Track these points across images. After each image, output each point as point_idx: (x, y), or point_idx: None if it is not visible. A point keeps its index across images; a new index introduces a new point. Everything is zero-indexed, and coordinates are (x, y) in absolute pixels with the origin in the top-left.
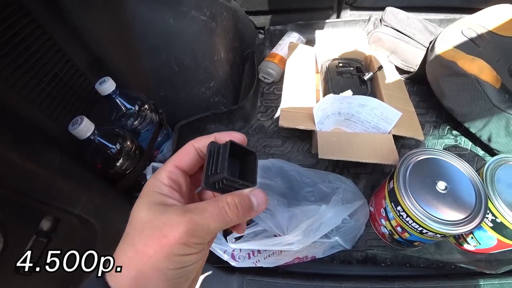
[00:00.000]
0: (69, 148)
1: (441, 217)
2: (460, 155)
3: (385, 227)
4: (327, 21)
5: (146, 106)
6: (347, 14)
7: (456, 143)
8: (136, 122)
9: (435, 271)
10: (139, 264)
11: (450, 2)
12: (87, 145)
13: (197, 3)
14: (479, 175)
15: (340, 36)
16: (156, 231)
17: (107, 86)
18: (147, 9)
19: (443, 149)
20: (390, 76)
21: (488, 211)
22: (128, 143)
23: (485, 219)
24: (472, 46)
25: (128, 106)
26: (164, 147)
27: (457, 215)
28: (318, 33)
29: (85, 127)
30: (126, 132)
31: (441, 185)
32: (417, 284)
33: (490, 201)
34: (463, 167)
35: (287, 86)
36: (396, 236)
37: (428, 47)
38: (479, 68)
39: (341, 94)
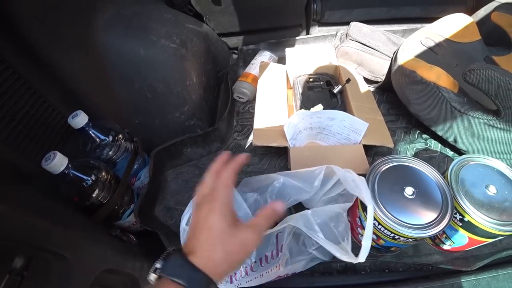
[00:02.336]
0: (43, 183)
1: (410, 222)
2: (431, 157)
3: (362, 235)
4: (297, 38)
5: (120, 135)
6: (316, 30)
7: (427, 146)
8: (111, 152)
9: (414, 274)
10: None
11: (411, 13)
12: (61, 179)
13: (166, 31)
14: (444, 177)
15: (310, 52)
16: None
17: (79, 119)
18: (117, 40)
19: (414, 153)
20: (359, 87)
21: (455, 211)
22: (103, 173)
23: (454, 219)
24: (431, 54)
25: (102, 137)
26: (141, 174)
27: (425, 219)
28: (288, 51)
29: (58, 162)
30: (101, 163)
31: (408, 191)
32: None
33: (456, 201)
34: (429, 171)
35: (259, 105)
36: (373, 244)
37: (392, 57)
38: (436, 75)
39: (312, 108)
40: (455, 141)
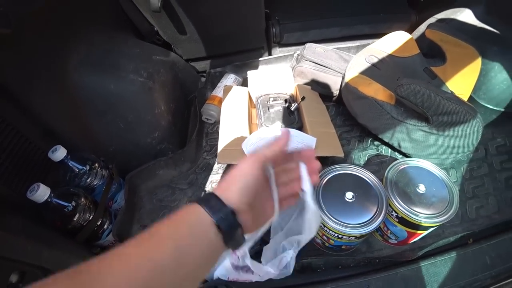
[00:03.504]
0: (30, 211)
1: (349, 222)
2: (382, 162)
3: (316, 237)
4: (260, 59)
5: (96, 164)
6: (277, 51)
7: (378, 152)
8: (88, 180)
9: (364, 268)
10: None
11: (361, 31)
12: (45, 207)
13: (134, 67)
14: (382, 180)
15: (269, 73)
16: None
17: (59, 154)
18: (90, 78)
19: (367, 159)
20: (313, 103)
21: (392, 210)
22: (82, 199)
23: (392, 216)
24: (374, 70)
25: (80, 167)
26: (118, 197)
27: (362, 218)
28: (249, 73)
29: (41, 193)
30: (80, 190)
31: (348, 195)
32: (347, 282)
33: (391, 201)
34: (367, 177)
35: (223, 126)
36: (327, 244)
37: (343, 74)
38: (374, 91)
39: (270, 127)
40: (399, 146)
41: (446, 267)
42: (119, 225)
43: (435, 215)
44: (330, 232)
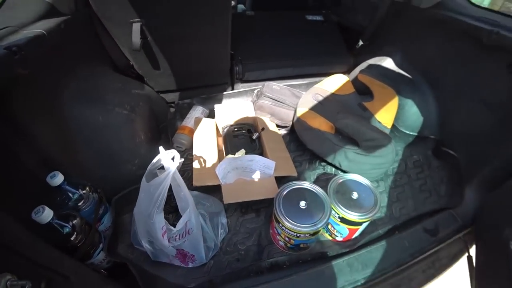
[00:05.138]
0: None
1: (304, 223)
2: (328, 178)
3: (280, 240)
4: (224, 93)
5: (87, 188)
6: (240, 86)
7: (324, 171)
8: (81, 203)
9: (319, 261)
10: None
11: (310, 70)
12: (47, 227)
13: (119, 101)
14: (326, 191)
15: (234, 107)
16: None
17: (57, 179)
18: (80, 111)
19: (316, 177)
20: (271, 133)
21: (335, 212)
22: (78, 219)
23: (336, 217)
24: (319, 105)
25: (74, 191)
26: (105, 219)
27: (314, 220)
28: (216, 107)
29: (46, 215)
30: (76, 211)
31: (302, 204)
32: (307, 271)
33: (333, 206)
34: (315, 189)
35: (196, 153)
36: (289, 244)
37: (295, 109)
38: (319, 123)
39: (236, 153)
40: (340, 165)
41: (379, 252)
42: (109, 244)
43: (365, 213)
44: (290, 232)
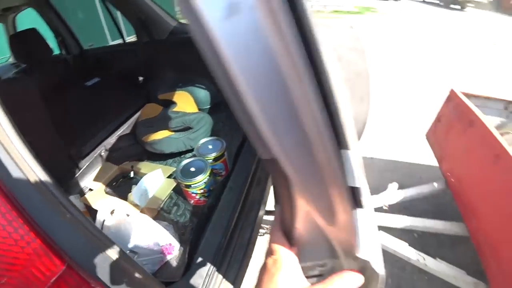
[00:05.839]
0: None
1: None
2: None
3: (197, 195)
4: None
5: None
6: None
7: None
8: None
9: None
10: None
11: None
12: None
13: None
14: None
15: None
16: None
17: None
18: None
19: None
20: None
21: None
22: None
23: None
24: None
25: None
26: None
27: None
28: None
29: None
30: None
31: (192, 169)
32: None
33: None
34: (196, 159)
35: None
36: (206, 193)
37: None
38: (155, 136)
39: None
40: (188, 147)
41: None
42: None
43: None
44: (195, 184)
